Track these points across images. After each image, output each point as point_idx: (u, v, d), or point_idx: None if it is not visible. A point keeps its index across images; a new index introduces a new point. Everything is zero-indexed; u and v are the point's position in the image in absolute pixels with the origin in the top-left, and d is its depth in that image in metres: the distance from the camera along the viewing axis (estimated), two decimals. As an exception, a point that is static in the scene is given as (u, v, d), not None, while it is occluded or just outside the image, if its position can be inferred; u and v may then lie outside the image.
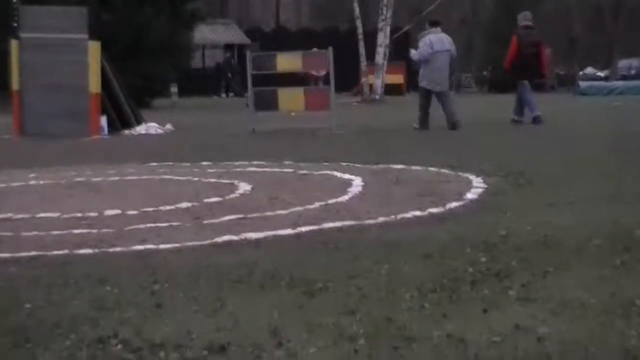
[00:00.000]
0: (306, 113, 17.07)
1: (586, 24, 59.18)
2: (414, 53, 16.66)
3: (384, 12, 33.04)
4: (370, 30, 36.73)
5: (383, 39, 32.77)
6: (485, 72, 48.28)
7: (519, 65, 17.07)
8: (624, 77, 47.72)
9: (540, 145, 11.87)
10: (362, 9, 42.49)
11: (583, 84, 38.64)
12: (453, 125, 15.65)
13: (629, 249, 4.89)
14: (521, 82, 17.15)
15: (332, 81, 16.21)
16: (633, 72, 50.13)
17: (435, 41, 16.19)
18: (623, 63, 51.62)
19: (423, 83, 16.30)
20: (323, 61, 16.57)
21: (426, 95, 16.17)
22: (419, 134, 15.08)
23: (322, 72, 26.45)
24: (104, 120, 16.82)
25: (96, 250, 5.35)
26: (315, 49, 23.53)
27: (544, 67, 17.99)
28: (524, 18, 17.55)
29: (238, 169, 9.85)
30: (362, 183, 8.21)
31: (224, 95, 42.13)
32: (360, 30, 33.97)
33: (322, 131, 15.47)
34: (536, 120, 16.70)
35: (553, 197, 7.02)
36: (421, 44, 16.44)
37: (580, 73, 52.97)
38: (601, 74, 54.65)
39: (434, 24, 16.90)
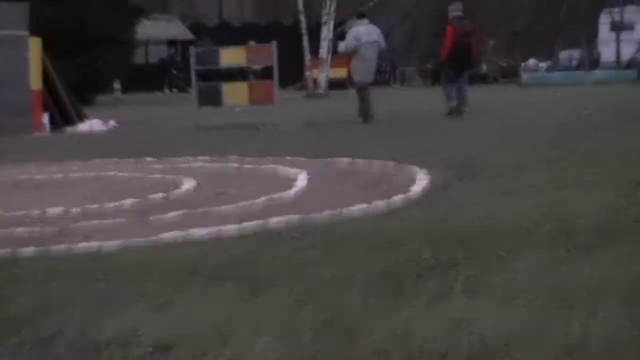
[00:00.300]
0: (251, 108, 17.02)
1: (528, 15, 59.70)
2: (341, 46, 16.79)
3: (328, 5, 33.07)
4: (314, 24, 36.74)
5: (327, 33, 32.77)
6: (428, 65, 48.47)
7: (453, 56, 17.16)
8: (566, 69, 48.21)
9: (484, 136, 11.96)
10: (306, 2, 42.43)
11: (525, 75, 38.99)
12: (366, 119, 15.75)
13: (572, 240, 4.94)
14: (446, 73, 17.38)
15: (276, 75, 16.16)
16: (574, 62, 50.67)
17: (362, 33, 16.20)
18: (564, 54, 52.15)
19: (355, 77, 16.40)
20: (267, 55, 16.49)
21: (359, 88, 16.29)
22: (363, 126, 15.11)
23: (259, 66, 26.33)
24: (46, 117, 16.66)
25: (40, 248, 5.30)
26: (252, 42, 23.54)
27: (474, 58, 18.17)
28: (456, 8, 17.54)
29: (183, 165, 9.81)
30: (308, 177, 8.20)
31: (167, 91, 41.89)
32: (303, 25, 33.95)
33: (267, 126, 15.44)
34: (453, 111, 16.81)
35: (497, 187, 7.07)
36: (348, 36, 16.53)
37: (523, 64, 53.40)
38: (543, 65, 55.14)
39: (361, 15, 16.97)
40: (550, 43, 56.76)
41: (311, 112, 20.51)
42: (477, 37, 18.22)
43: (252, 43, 24.07)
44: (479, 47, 18.98)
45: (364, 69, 16.20)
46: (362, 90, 16.22)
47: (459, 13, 17.46)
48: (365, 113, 16.06)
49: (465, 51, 17.19)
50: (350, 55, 16.42)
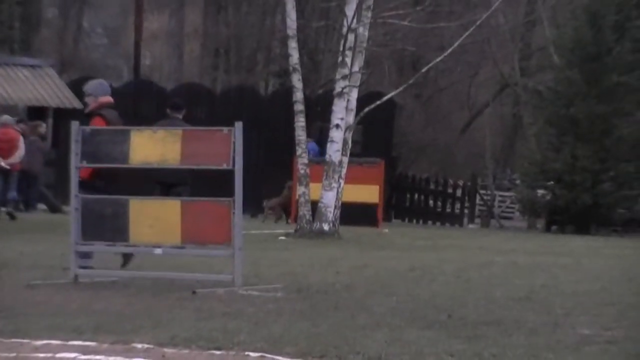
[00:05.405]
0: (184, 251, 17.05)
1: None
2: None
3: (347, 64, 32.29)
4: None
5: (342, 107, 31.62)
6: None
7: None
8: None
9: None
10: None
11: None
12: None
13: None
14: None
15: (240, 191, 15.93)
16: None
17: None
18: None
19: None
20: (225, 147, 16.20)
21: None
22: (388, 304, 15.00)
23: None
24: None
25: None
26: (43, 125, 23.68)
27: None
28: (102, 90, 18.74)
29: (40, 355, 9.71)
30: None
31: (3, 208, 40.49)
32: (299, 94, 32.56)
33: (216, 287, 15.38)
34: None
35: None
36: None
37: None
38: None
39: None
40: None
41: (304, 265, 20.55)
42: None
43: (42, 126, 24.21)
44: None
45: None
46: None
47: (105, 99, 18.51)
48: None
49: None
50: None
